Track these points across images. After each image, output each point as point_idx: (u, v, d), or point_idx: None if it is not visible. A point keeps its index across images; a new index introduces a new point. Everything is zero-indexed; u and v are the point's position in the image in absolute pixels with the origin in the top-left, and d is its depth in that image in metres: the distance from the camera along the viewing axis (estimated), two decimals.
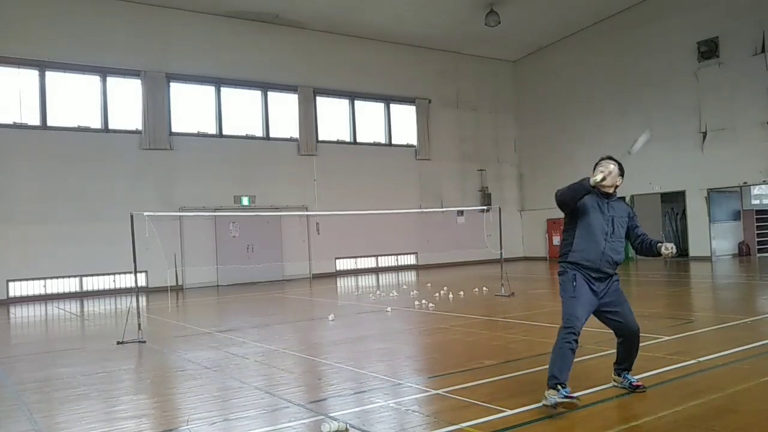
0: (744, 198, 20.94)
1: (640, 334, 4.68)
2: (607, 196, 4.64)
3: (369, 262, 21.58)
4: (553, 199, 4.72)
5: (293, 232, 19.81)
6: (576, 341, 4.33)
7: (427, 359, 6.70)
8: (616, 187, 4.68)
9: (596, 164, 4.74)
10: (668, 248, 4.49)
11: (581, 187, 4.45)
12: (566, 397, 4.15)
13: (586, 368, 5.49)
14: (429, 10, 20.06)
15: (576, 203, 4.55)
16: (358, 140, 21.74)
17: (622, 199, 4.77)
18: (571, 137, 22.93)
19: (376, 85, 21.86)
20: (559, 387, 4.17)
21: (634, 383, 4.65)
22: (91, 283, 16.89)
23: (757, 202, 21.66)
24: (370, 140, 22.04)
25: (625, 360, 4.69)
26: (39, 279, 16.25)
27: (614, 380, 4.77)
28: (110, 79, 17.44)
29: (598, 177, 4.45)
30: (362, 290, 14.89)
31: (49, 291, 16.33)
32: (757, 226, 20.81)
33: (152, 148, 17.63)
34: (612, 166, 4.60)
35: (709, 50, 18.80)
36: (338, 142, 21.31)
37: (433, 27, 21.25)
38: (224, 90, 19.27)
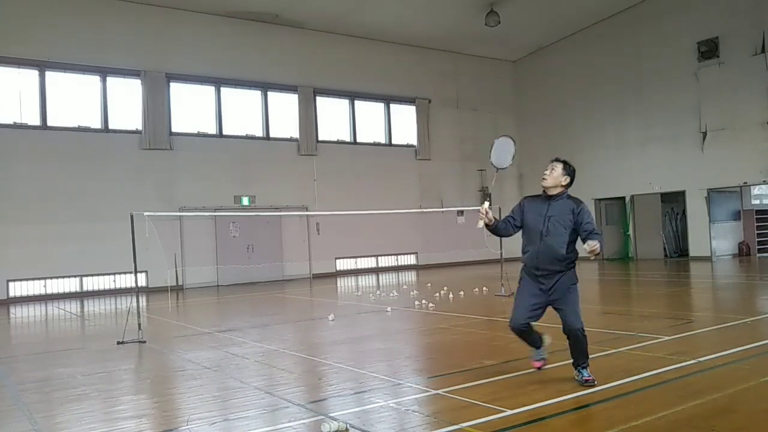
0: (744, 198, 20.94)
1: (585, 338, 4.81)
2: (550, 197, 4.91)
3: (369, 262, 21.58)
4: None
5: (293, 232, 19.81)
6: (518, 331, 4.98)
7: (427, 359, 6.70)
8: (564, 186, 4.89)
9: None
10: (590, 245, 4.55)
11: (488, 229, 5.07)
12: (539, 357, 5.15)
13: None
14: (429, 10, 20.06)
15: (500, 232, 5.13)
16: (358, 140, 21.74)
17: (571, 198, 4.90)
18: (571, 137, 22.93)
19: (376, 85, 21.86)
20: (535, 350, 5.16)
21: (585, 378, 4.79)
22: (91, 283, 16.89)
23: (757, 202, 21.65)
24: (370, 140, 22.04)
25: (571, 355, 4.89)
26: (39, 279, 16.25)
27: (574, 374, 4.92)
28: (110, 79, 17.44)
29: (480, 224, 4.94)
30: (362, 290, 14.89)
31: (49, 291, 16.33)
32: (757, 226, 20.80)
33: (152, 148, 17.63)
34: (558, 168, 4.88)
35: (709, 50, 18.80)
36: (338, 142, 21.32)
37: (433, 27, 21.25)
38: (224, 90, 19.26)
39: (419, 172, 22.70)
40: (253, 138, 19.63)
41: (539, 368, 5.24)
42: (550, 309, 4.97)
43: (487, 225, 4.96)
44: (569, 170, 4.91)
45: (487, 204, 4.92)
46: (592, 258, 4.67)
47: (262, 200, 19.22)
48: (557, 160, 4.97)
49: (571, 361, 4.92)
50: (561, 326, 4.86)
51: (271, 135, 19.97)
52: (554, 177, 4.87)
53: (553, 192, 4.91)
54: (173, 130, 18.18)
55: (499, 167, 5.33)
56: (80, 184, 16.61)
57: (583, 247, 4.64)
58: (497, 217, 5.15)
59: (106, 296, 16.47)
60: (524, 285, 5.00)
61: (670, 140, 19.97)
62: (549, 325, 5.25)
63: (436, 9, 19.99)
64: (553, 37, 23.17)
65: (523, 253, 5.03)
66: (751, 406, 4.29)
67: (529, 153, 25.00)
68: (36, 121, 16.45)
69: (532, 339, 5.12)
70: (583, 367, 4.83)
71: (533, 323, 5.02)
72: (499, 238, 5.23)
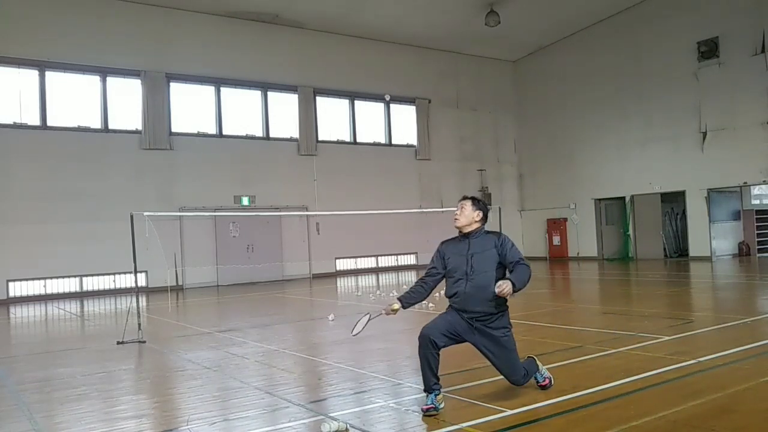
0: (744, 198, 20.93)
1: (527, 378, 4.63)
2: (467, 235, 4.65)
3: (369, 262, 21.58)
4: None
5: (293, 232, 19.80)
6: (425, 344, 4.37)
7: None
8: (478, 221, 4.67)
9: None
10: (499, 286, 4.24)
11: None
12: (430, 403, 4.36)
13: (587, 368, 5.49)
14: (429, 11, 20.06)
15: (423, 298, 4.71)
16: (358, 140, 21.74)
17: (489, 232, 4.69)
18: (571, 137, 22.94)
19: (376, 85, 21.85)
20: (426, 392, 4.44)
21: (541, 382, 4.73)
22: (91, 283, 16.89)
23: (757, 202, 21.65)
24: (370, 140, 22.04)
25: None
26: (39, 279, 16.25)
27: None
28: (110, 79, 17.44)
29: (391, 314, 4.63)
30: (362, 290, 14.89)
31: (49, 291, 16.33)
32: (757, 226, 20.80)
33: (152, 148, 17.63)
34: (467, 205, 4.67)
35: (709, 50, 18.80)
36: (338, 142, 21.31)
37: (433, 27, 21.25)
38: (224, 90, 19.26)
39: (419, 172, 22.70)
40: (253, 138, 19.63)
41: (425, 411, 4.34)
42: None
43: (403, 308, 4.62)
44: (479, 205, 4.70)
45: (387, 307, 4.64)
46: (505, 299, 4.35)
47: (262, 200, 19.22)
48: (464, 198, 4.78)
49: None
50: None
51: (271, 135, 19.97)
52: (466, 215, 4.65)
53: (468, 230, 4.66)
54: (173, 130, 18.18)
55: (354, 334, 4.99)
56: (80, 184, 16.60)
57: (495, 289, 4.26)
58: (402, 297, 4.70)
59: (106, 296, 16.47)
60: (452, 312, 4.60)
61: (670, 140, 19.97)
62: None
63: (436, 9, 19.99)
64: (553, 37, 23.17)
65: (449, 297, 4.66)
66: (751, 406, 4.29)
67: (529, 153, 25.04)
68: (36, 121, 16.45)
69: (431, 370, 4.40)
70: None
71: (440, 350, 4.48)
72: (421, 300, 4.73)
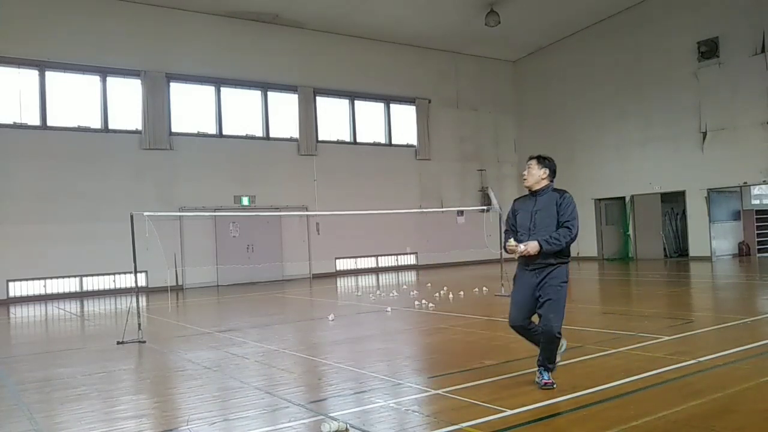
0: (744, 198, 20.93)
1: (558, 341, 4.77)
2: (535, 193, 4.96)
3: (369, 262, 21.57)
4: None
5: (293, 232, 19.80)
6: (521, 330, 4.91)
7: (427, 359, 6.70)
8: (545, 178, 4.95)
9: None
10: (517, 246, 4.69)
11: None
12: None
13: (587, 368, 5.50)
14: (429, 11, 20.06)
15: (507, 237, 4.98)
16: (358, 140, 21.73)
17: (556, 190, 4.94)
18: (571, 137, 22.94)
19: (376, 85, 21.85)
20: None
21: (545, 381, 4.79)
22: (91, 283, 16.88)
23: (757, 202, 21.65)
24: (370, 140, 22.04)
25: (540, 354, 4.83)
26: (39, 279, 16.24)
27: (536, 376, 4.92)
28: (110, 79, 17.44)
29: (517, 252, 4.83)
30: (362, 290, 14.89)
31: (49, 291, 16.32)
32: (757, 226, 20.80)
33: (152, 148, 17.63)
34: (533, 165, 4.99)
35: (709, 50, 18.80)
36: (338, 142, 21.31)
37: (433, 27, 21.25)
38: (224, 90, 19.26)
39: (419, 172, 22.70)
40: (253, 138, 19.63)
41: (546, 385, 4.91)
42: None
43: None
44: (545, 163, 4.98)
45: (512, 240, 4.85)
46: (516, 257, 4.74)
47: (262, 200, 19.22)
48: (531, 157, 5.06)
49: (537, 359, 4.87)
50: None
51: (271, 135, 19.97)
52: (533, 174, 4.96)
53: (536, 188, 4.95)
54: (173, 130, 18.17)
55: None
56: (80, 184, 16.60)
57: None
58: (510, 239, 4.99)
59: (106, 296, 16.47)
60: (517, 282, 5.00)
61: (670, 140, 19.98)
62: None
63: (436, 9, 19.98)
64: (553, 37, 23.17)
65: None
66: (751, 406, 4.29)
67: (528, 153, 24.95)
68: (36, 121, 16.44)
69: (536, 339, 4.96)
70: (546, 370, 4.82)
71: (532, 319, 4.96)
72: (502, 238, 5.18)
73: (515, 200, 5.15)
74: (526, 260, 4.84)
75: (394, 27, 20.96)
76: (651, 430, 3.82)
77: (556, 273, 4.76)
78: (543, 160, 4.98)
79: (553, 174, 4.97)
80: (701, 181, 19.13)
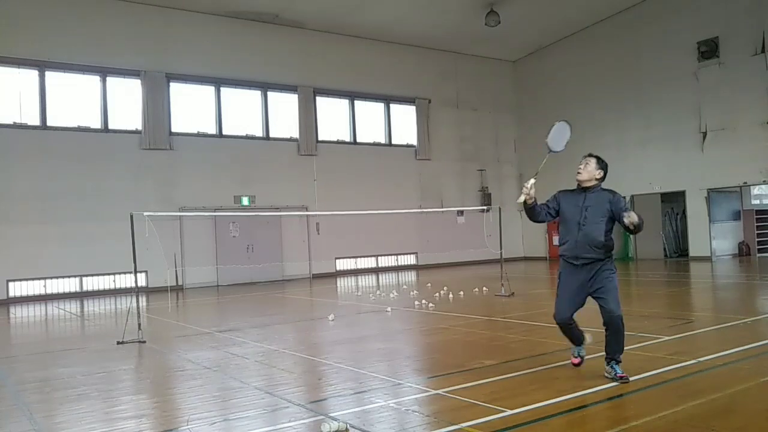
0: (744, 198, 20.94)
1: (623, 327, 4.92)
2: (585, 189, 5.10)
3: (369, 262, 21.57)
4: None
5: (293, 232, 19.80)
6: (565, 326, 5.12)
7: (427, 359, 6.69)
8: (598, 179, 5.09)
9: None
10: (627, 215, 4.74)
11: (525, 207, 5.16)
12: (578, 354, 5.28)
13: (587, 368, 5.49)
14: (429, 10, 20.06)
15: (535, 215, 5.20)
16: (358, 140, 21.73)
17: (605, 189, 5.09)
18: (571, 137, 22.87)
19: (376, 85, 21.85)
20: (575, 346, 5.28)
21: (619, 374, 4.85)
22: (91, 283, 16.88)
23: (757, 202, 21.65)
24: (370, 140, 22.04)
25: (608, 347, 4.95)
26: (39, 279, 16.24)
27: (605, 370, 4.99)
28: (110, 79, 17.44)
29: (520, 198, 5.08)
30: (362, 290, 14.89)
31: (49, 291, 16.32)
32: (757, 226, 20.80)
33: (152, 148, 17.63)
34: (591, 162, 5.11)
35: (709, 50, 18.80)
36: (338, 142, 21.31)
37: (433, 27, 21.25)
38: (224, 90, 19.26)
39: (419, 172, 22.69)
40: (253, 138, 19.63)
41: (577, 365, 5.32)
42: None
43: (525, 202, 5.06)
44: (602, 164, 5.11)
45: (533, 181, 5.04)
46: (632, 228, 4.76)
47: (262, 200, 19.22)
48: (590, 155, 5.18)
49: (604, 356, 4.98)
50: (601, 320, 4.97)
51: (271, 135, 19.97)
52: (588, 171, 5.07)
53: (587, 185, 5.09)
54: (173, 130, 18.17)
55: (552, 150, 5.36)
56: (80, 184, 16.60)
57: (624, 221, 4.75)
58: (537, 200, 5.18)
59: (106, 296, 16.47)
60: (564, 277, 5.13)
61: (670, 140, 19.97)
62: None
63: (436, 9, 19.99)
64: (553, 37, 23.17)
65: (561, 244, 5.18)
66: (751, 406, 4.29)
67: (528, 153, 25.04)
68: (36, 121, 16.44)
69: (575, 334, 5.22)
70: (617, 362, 4.91)
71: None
72: (533, 221, 5.29)
73: (560, 191, 5.28)
74: (576, 255, 5.00)
75: (394, 27, 20.96)
76: (651, 430, 3.82)
77: (606, 265, 4.98)
78: (601, 161, 5.13)
79: (604, 177, 5.12)
80: (701, 181, 19.13)
